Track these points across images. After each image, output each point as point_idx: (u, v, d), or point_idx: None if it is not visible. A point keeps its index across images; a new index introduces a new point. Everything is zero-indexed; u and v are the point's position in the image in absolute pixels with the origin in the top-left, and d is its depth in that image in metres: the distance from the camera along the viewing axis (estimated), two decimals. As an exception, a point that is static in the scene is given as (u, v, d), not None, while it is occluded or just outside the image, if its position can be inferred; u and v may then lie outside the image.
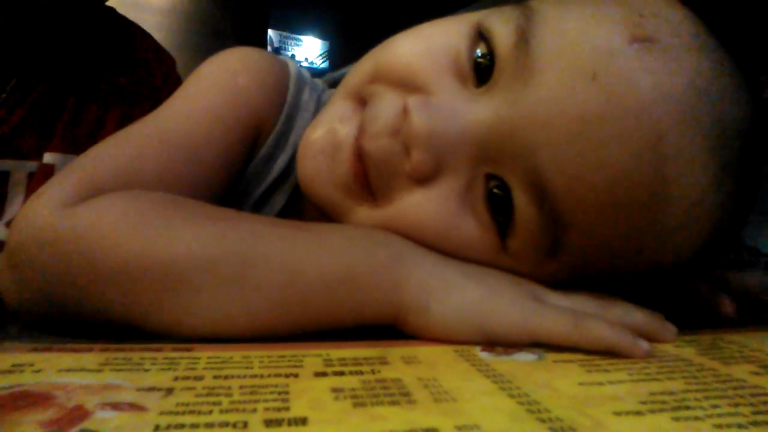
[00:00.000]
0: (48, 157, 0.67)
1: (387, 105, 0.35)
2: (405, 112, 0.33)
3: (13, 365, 0.25)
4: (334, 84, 0.54)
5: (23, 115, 0.65)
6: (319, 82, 0.52)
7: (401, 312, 0.31)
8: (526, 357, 0.29)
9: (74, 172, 0.35)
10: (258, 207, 0.47)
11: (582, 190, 0.30)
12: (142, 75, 0.78)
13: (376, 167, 0.35)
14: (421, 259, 0.33)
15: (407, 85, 0.35)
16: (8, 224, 0.64)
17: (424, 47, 0.36)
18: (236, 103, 0.43)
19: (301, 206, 0.46)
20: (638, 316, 0.32)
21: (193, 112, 0.42)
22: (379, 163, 0.35)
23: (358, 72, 0.39)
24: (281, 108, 0.46)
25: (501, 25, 0.33)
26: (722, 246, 0.35)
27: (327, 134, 0.38)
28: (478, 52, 0.34)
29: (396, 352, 0.29)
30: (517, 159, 0.31)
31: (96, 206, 0.31)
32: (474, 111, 0.33)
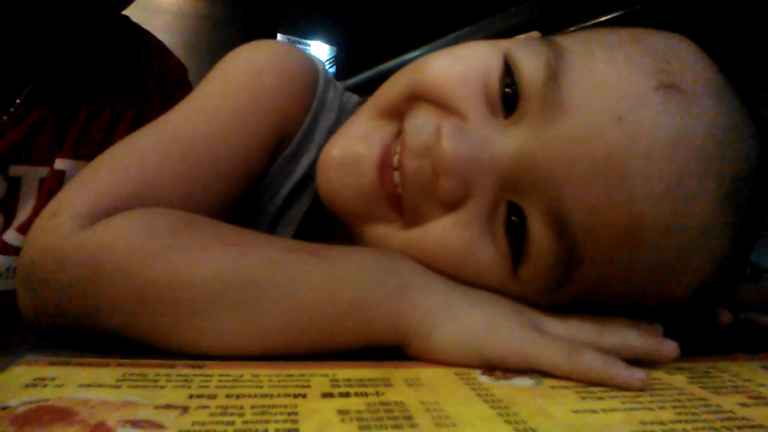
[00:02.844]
0: (59, 164, 0.68)
1: (424, 123, 0.36)
2: (438, 134, 0.34)
3: (35, 379, 0.26)
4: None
5: (36, 121, 0.66)
6: (336, 83, 0.52)
7: (406, 337, 0.33)
8: (523, 382, 0.30)
9: (90, 185, 0.36)
10: (284, 206, 0.46)
11: (599, 225, 0.31)
12: (154, 83, 0.79)
13: (410, 187, 0.36)
14: (428, 288, 0.34)
15: (443, 105, 0.36)
16: (19, 228, 0.65)
17: (460, 70, 0.36)
18: (261, 105, 0.42)
19: (326, 210, 0.44)
20: (635, 339, 0.33)
21: (215, 115, 0.41)
22: (412, 183, 0.36)
23: (391, 89, 0.40)
24: (308, 106, 0.45)
25: (530, 59, 0.34)
26: (725, 285, 0.36)
27: (350, 149, 0.38)
28: (507, 82, 0.35)
29: (399, 374, 0.30)
30: (541, 191, 0.32)
31: (113, 227, 0.32)
32: (502, 142, 0.34)
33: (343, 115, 0.48)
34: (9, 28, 0.62)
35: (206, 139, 0.40)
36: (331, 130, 0.47)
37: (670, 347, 0.33)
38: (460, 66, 0.37)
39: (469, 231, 0.35)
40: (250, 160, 0.42)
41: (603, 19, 1.12)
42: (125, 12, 0.78)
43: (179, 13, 2.94)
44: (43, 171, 0.67)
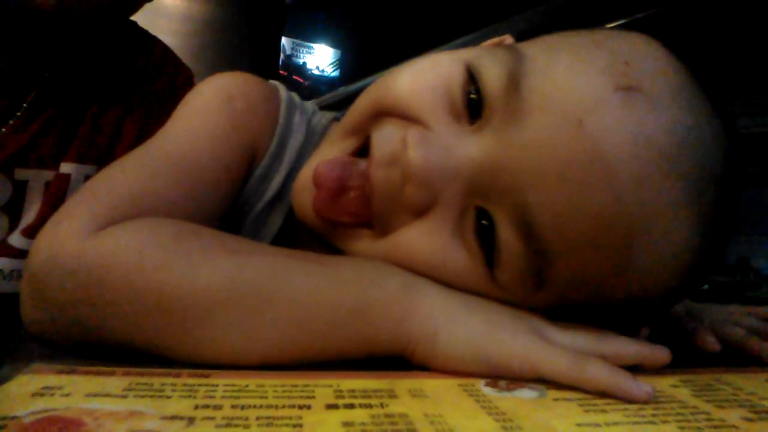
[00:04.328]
0: (65, 167, 0.68)
1: (389, 133, 0.37)
2: (404, 143, 0.35)
3: (43, 388, 0.26)
4: (326, 107, 0.57)
5: (42, 125, 0.67)
6: (308, 105, 0.54)
7: (410, 344, 0.33)
8: (527, 394, 0.30)
9: (93, 196, 0.37)
10: (256, 226, 0.48)
11: (566, 228, 0.32)
12: (160, 88, 0.79)
13: (379, 196, 0.37)
14: (426, 290, 0.35)
15: (407, 117, 0.37)
16: (24, 232, 0.65)
17: (422, 82, 0.37)
18: (234, 125, 0.45)
19: (297, 227, 0.47)
20: (631, 345, 0.34)
21: (195, 134, 0.44)
22: (382, 193, 0.37)
23: (356, 110, 0.41)
24: (273, 131, 0.48)
25: (492, 66, 0.35)
26: (696, 282, 0.37)
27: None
28: (471, 90, 0.36)
29: (403, 384, 0.30)
30: (506, 196, 0.33)
31: (117, 236, 0.33)
32: (466, 148, 0.35)
33: (313, 137, 0.51)
34: (15, 33, 0.63)
35: (192, 153, 0.42)
36: (300, 151, 0.49)
37: (662, 352, 0.34)
38: (421, 78, 0.38)
39: (438, 236, 0.35)
40: (232, 173, 0.45)
41: (608, 27, 1.13)
42: (135, 20, 0.78)
43: (185, 17, 2.96)
44: (48, 175, 0.67)
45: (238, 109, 0.46)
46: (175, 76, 0.83)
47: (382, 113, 0.39)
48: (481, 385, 0.31)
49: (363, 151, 0.40)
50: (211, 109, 0.46)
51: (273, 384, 0.29)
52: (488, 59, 0.35)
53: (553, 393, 0.30)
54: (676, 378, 0.34)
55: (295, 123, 0.50)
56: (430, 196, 0.35)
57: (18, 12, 0.60)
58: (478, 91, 0.35)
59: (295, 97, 0.53)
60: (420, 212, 0.36)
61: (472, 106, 0.35)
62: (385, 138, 0.37)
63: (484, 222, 0.34)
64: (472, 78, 0.36)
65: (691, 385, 0.33)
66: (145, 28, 0.85)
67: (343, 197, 0.38)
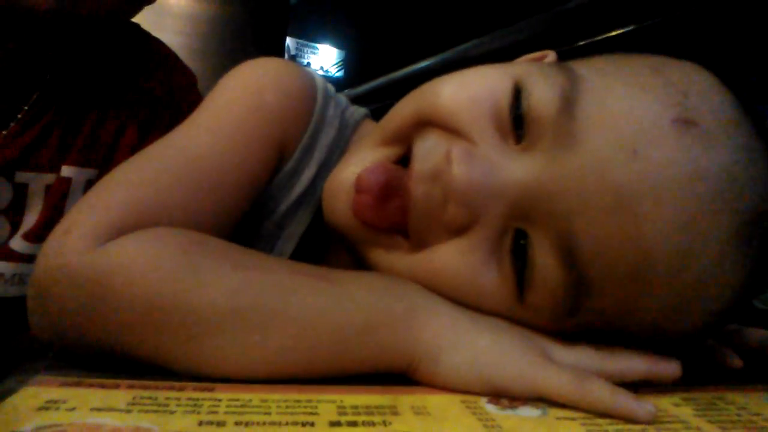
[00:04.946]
0: (66, 171, 0.68)
1: (433, 147, 0.36)
2: (448, 159, 0.34)
3: (47, 402, 0.26)
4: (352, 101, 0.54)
5: (43, 128, 0.66)
6: (342, 97, 0.52)
7: (413, 362, 0.33)
8: (530, 412, 0.30)
9: (102, 203, 0.36)
10: (283, 223, 0.47)
11: (610, 259, 0.31)
12: (162, 91, 0.79)
13: (418, 212, 0.36)
14: (435, 313, 0.34)
15: (452, 129, 0.36)
16: (25, 236, 0.65)
17: (469, 95, 0.36)
18: (262, 120, 0.43)
19: (326, 228, 0.44)
20: (640, 364, 0.33)
21: (218, 132, 0.42)
22: (421, 208, 0.36)
23: (398, 115, 0.40)
24: (307, 122, 0.46)
25: (545, 86, 0.34)
26: (732, 318, 0.36)
27: (353, 176, 0.38)
28: (518, 108, 0.35)
29: (406, 400, 0.30)
30: (550, 221, 0.32)
31: (125, 247, 0.33)
32: (513, 169, 0.34)
33: (346, 130, 0.49)
34: (15, 35, 0.62)
35: (212, 156, 0.40)
36: (332, 147, 0.47)
37: (672, 366, 0.33)
38: (469, 90, 0.37)
39: (473, 256, 0.35)
40: (254, 175, 0.43)
41: (614, 33, 1.13)
42: (135, 18, 0.78)
43: (189, 16, 2.96)
44: (49, 178, 0.67)
45: (268, 101, 0.43)
46: (177, 79, 0.82)
47: (426, 123, 0.37)
48: (483, 402, 0.31)
49: (403, 159, 0.39)
50: (237, 104, 0.43)
51: (276, 399, 0.29)
52: (541, 77, 0.34)
53: (556, 412, 0.30)
54: (677, 396, 0.34)
55: (329, 116, 0.48)
56: (471, 216, 0.34)
57: (10, 13, 0.59)
58: (525, 109, 0.34)
59: (331, 87, 0.50)
60: (459, 231, 0.35)
61: (519, 124, 0.34)
62: (428, 151, 0.36)
63: (522, 242, 0.34)
64: (519, 95, 0.35)
65: (693, 404, 0.33)
66: (149, 27, 0.84)
67: (386, 204, 0.37)
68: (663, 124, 0.31)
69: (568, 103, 0.32)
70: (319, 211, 0.45)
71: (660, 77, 0.33)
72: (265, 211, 0.46)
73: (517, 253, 0.34)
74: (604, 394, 0.30)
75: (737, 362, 0.41)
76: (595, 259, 0.31)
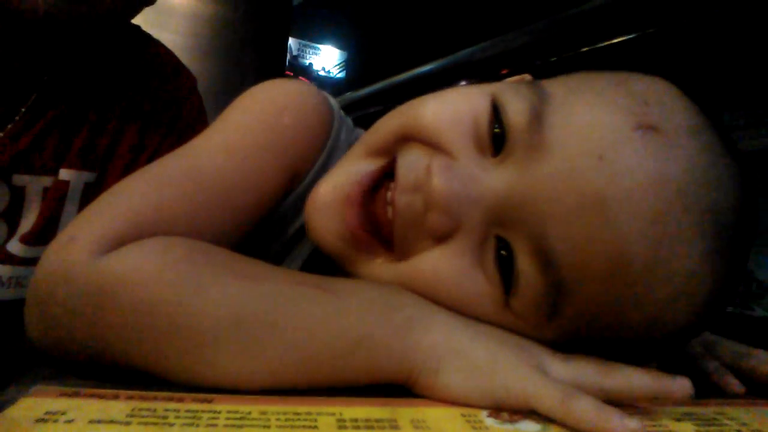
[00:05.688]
0: (63, 174, 0.67)
1: (415, 160, 0.38)
2: (428, 171, 0.35)
3: (46, 413, 0.26)
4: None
5: (41, 130, 0.66)
6: (348, 118, 0.52)
7: (412, 375, 0.33)
8: (529, 426, 0.30)
9: (108, 212, 0.36)
10: (293, 243, 0.47)
11: (583, 261, 0.32)
12: (161, 94, 0.78)
13: (402, 221, 0.37)
14: (433, 323, 0.34)
15: (433, 144, 0.37)
16: (22, 239, 0.65)
17: (450, 112, 0.38)
18: (278, 144, 0.43)
19: None
20: (642, 380, 0.32)
21: (232, 151, 0.42)
22: (404, 218, 0.37)
23: (382, 130, 0.41)
24: (322, 147, 0.47)
25: (516, 102, 0.35)
26: (712, 316, 0.36)
27: (336, 189, 0.39)
28: (497, 124, 0.36)
29: (406, 413, 0.30)
30: (526, 227, 0.33)
31: (128, 257, 0.33)
32: (490, 179, 0.35)
33: None
34: (11, 36, 0.62)
35: (224, 174, 0.41)
36: None
37: (682, 384, 0.32)
38: (450, 108, 0.38)
39: (459, 261, 0.36)
40: (264, 196, 0.43)
41: (616, 41, 1.13)
42: (136, 20, 0.77)
43: (191, 15, 2.96)
44: (46, 181, 0.67)
45: (285, 125, 0.44)
46: (177, 82, 0.81)
47: (408, 137, 0.39)
48: (483, 415, 0.31)
49: (386, 175, 0.40)
50: (254, 125, 0.44)
51: (275, 411, 0.29)
52: (513, 94, 0.36)
53: (557, 428, 0.30)
54: (678, 411, 0.34)
55: (342, 140, 0.49)
56: (452, 223, 0.35)
57: (6, 15, 0.58)
58: (501, 124, 0.36)
59: (341, 111, 0.51)
60: (441, 238, 0.36)
61: (497, 139, 0.36)
62: (411, 164, 0.38)
63: (503, 252, 0.35)
64: (496, 112, 0.36)
65: (694, 420, 0.33)
66: (151, 27, 0.83)
67: (370, 210, 0.38)
68: (626, 130, 0.32)
69: (538, 117, 0.34)
70: None
71: (623, 89, 0.35)
72: (274, 233, 0.47)
73: (500, 259, 0.35)
74: (589, 412, 0.29)
75: (740, 389, 0.41)
76: (570, 260, 0.32)
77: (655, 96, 0.34)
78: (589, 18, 1.24)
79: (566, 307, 0.33)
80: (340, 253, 0.40)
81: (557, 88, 0.36)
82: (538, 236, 0.33)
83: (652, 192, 0.31)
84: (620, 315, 0.33)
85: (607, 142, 0.32)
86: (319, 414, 0.29)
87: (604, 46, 1.14)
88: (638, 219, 0.31)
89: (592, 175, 0.32)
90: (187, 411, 0.28)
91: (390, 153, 0.40)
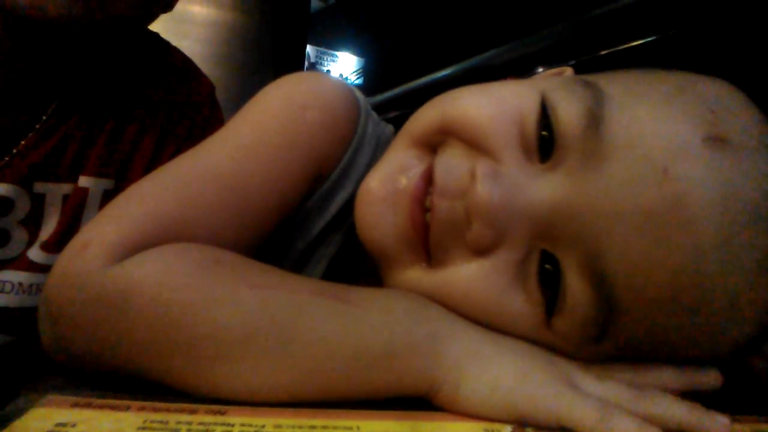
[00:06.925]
0: (83, 181, 0.68)
1: (456, 164, 0.35)
2: (472, 176, 0.33)
3: (57, 424, 0.25)
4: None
5: (61, 138, 0.66)
6: (373, 112, 0.49)
7: (433, 386, 0.32)
8: (556, 443, 0.29)
9: (122, 217, 0.35)
10: (316, 244, 0.45)
11: (640, 281, 0.30)
12: (179, 101, 0.78)
13: (439, 227, 0.35)
14: (457, 337, 0.33)
15: (476, 145, 0.35)
16: (43, 246, 0.65)
17: (495, 110, 0.35)
18: (301, 142, 0.41)
19: (358, 250, 0.41)
20: (679, 412, 0.30)
21: (254, 150, 0.39)
22: (442, 224, 0.35)
23: (423, 120, 0.38)
24: (348, 142, 0.44)
25: (570, 103, 0.33)
26: (763, 341, 0.34)
27: (389, 182, 0.37)
28: (545, 126, 0.34)
29: (425, 428, 0.29)
30: (578, 242, 0.31)
31: (142, 265, 0.32)
32: (538, 189, 0.33)
33: (378, 149, 0.47)
34: (32, 45, 0.63)
35: (243, 174, 0.38)
36: (369, 165, 0.45)
37: (719, 425, 0.30)
38: (495, 105, 0.35)
39: (498, 279, 0.33)
40: (285, 197, 0.41)
41: (635, 43, 1.11)
42: (155, 27, 0.78)
43: (210, 24, 2.99)
44: (66, 188, 0.67)
45: (309, 121, 0.41)
46: (195, 89, 0.81)
47: (448, 132, 0.36)
48: (507, 430, 0.30)
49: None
50: (276, 121, 0.41)
51: (290, 424, 0.28)
52: (566, 93, 0.33)
53: (585, 444, 0.29)
54: None
55: (368, 134, 0.45)
56: (495, 237, 0.33)
57: (23, 22, 0.58)
58: (550, 127, 0.33)
59: (368, 104, 0.48)
60: (482, 251, 0.33)
61: (544, 143, 0.33)
62: (451, 167, 0.35)
63: (548, 266, 0.32)
64: (545, 112, 0.33)
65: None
66: (170, 34, 0.83)
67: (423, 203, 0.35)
68: (694, 141, 0.30)
69: (595, 121, 0.31)
70: (350, 234, 0.43)
71: (687, 94, 0.32)
72: (298, 232, 0.44)
73: (544, 276, 0.32)
74: (630, 429, 0.28)
75: None
76: (626, 281, 0.30)
77: (723, 104, 0.32)
78: (609, 20, 1.22)
79: (615, 329, 0.31)
80: (387, 253, 0.37)
81: (616, 88, 0.33)
82: (591, 253, 0.30)
83: (720, 210, 0.29)
84: (671, 339, 0.32)
85: (673, 154, 0.30)
86: (335, 428, 0.28)
87: (625, 48, 1.12)
88: (703, 239, 0.29)
89: (656, 189, 0.29)
90: (200, 423, 0.27)
91: (429, 144, 0.37)
